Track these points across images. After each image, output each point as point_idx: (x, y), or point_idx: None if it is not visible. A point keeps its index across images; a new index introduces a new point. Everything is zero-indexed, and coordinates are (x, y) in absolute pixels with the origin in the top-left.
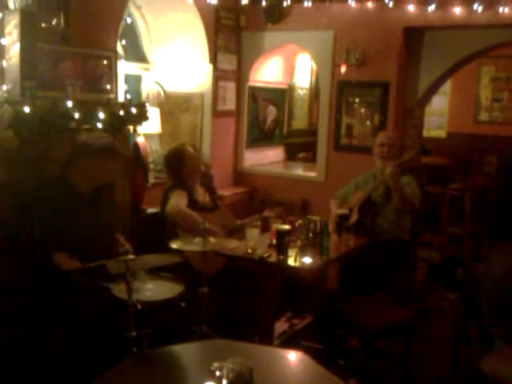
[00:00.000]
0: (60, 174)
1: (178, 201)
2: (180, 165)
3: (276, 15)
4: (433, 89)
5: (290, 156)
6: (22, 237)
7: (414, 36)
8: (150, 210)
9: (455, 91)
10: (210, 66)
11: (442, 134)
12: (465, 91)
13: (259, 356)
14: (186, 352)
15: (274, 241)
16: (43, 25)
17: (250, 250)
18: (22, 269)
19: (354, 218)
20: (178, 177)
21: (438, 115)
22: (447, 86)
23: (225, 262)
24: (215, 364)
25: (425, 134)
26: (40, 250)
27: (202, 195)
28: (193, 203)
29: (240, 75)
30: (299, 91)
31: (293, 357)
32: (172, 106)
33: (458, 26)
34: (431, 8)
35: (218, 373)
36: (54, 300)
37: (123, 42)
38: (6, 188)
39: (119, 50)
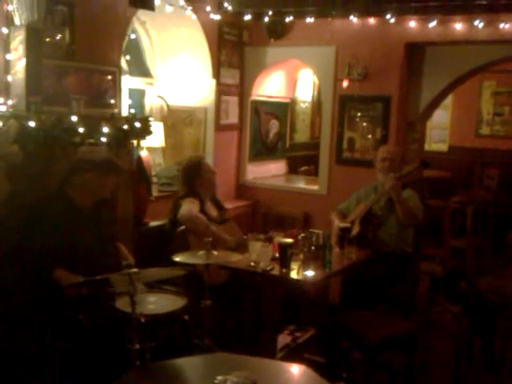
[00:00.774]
0: (58, 189)
1: (190, 207)
2: (196, 175)
3: (278, 31)
4: (434, 103)
5: (292, 169)
6: (23, 250)
7: (415, 51)
8: (153, 223)
9: (457, 105)
10: (213, 81)
11: (443, 147)
12: (466, 105)
13: (262, 369)
14: (190, 365)
15: (277, 254)
16: (48, 39)
17: (252, 263)
18: (22, 282)
19: (355, 230)
20: (192, 187)
21: (440, 129)
22: (449, 100)
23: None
24: (219, 377)
25: (426, 147)
26: (41, 263)
27: (210, 209)
28: (203, 215)
29: (243, 89)
30: (301, 105)
31: (296, 370)
32: (175, 120)
33: (459, 42)
34: (432, 24)
35: None
36: (56, 314)
37: (127, 57)
38: (9, 201)
39: (123, 65)
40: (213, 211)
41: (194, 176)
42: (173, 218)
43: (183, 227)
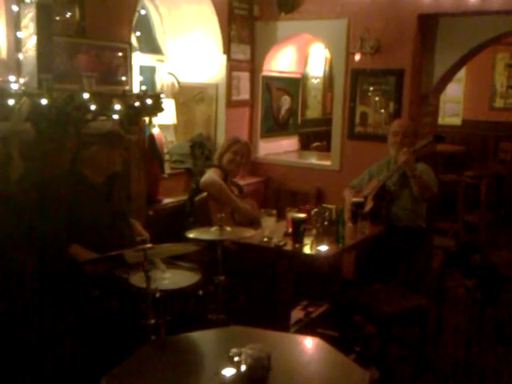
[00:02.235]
0: (71, 165)
1: (213, 175)
2: (224, 152)
3: (289, 5)
4: (448, 76)
5: (304, 145)
6: (38, 229)
7: (428, 23)
8: (166, 200)
9: (470, 78)
10: (224, 57)
11: (456, 121)
12: (480, 78)
13: (277, 342)
14: (205, 339)
15: (290, 229)
16: (58, 17)
17: (265, 239)
18: (37, 260)
19: (368, 206)
20: (221, 160)
21: (453, 102)
22: (462, 73)
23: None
24: (234, 350)
25: (439, 121)
26: (56, 241)
27: (232, 187)
28: None
29: (254, 65)
30: (313, 80)
31: (310, 342)
32: (186, 97)
33: (473, 13)
34: None
35: (236, 358)
36: (71, 290)
37: (137, 33)
38: (24, 179)
39: (133, 41)
40: (234, 190)
41: (223, 151)
42: (196, 185)
43: (204, 194)
